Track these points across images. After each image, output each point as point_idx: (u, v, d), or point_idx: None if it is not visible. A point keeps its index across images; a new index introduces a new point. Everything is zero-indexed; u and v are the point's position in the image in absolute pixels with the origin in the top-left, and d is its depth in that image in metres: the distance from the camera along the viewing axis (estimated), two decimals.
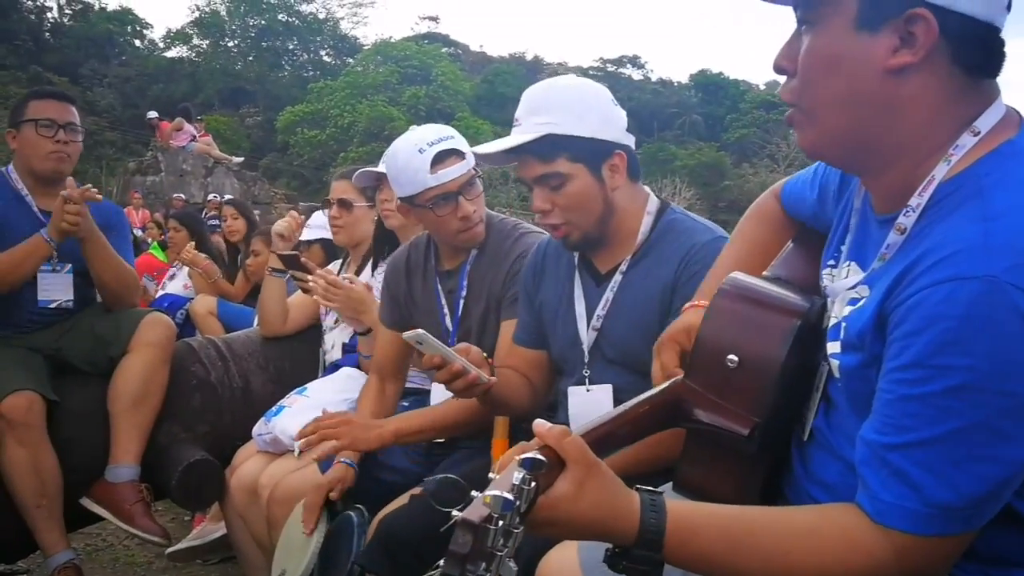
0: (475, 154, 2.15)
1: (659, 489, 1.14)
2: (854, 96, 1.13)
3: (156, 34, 44.61)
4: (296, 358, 3.31)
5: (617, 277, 2.02)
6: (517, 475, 0.98)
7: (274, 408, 2.82)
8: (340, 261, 3.45)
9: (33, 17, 39.67)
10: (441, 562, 0.93)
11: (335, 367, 3.06)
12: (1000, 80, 1.16)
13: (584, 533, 1.13)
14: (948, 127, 1.12)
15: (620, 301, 2.00)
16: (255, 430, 2.82)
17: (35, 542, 2.84)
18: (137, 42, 43.10)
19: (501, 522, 0.93)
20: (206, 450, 2.96)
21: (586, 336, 2.03)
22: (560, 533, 1.14)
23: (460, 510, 0.95)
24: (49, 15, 41.33)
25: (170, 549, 3.51)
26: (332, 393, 2.83)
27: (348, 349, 3.09)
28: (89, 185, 2.92)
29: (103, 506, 2.87)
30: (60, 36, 40.10)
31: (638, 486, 1.13)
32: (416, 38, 45.35)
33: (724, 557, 1.12)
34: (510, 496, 0.95)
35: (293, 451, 2.66)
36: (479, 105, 39.49)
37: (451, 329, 2.48)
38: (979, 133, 1.11)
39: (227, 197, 13.22)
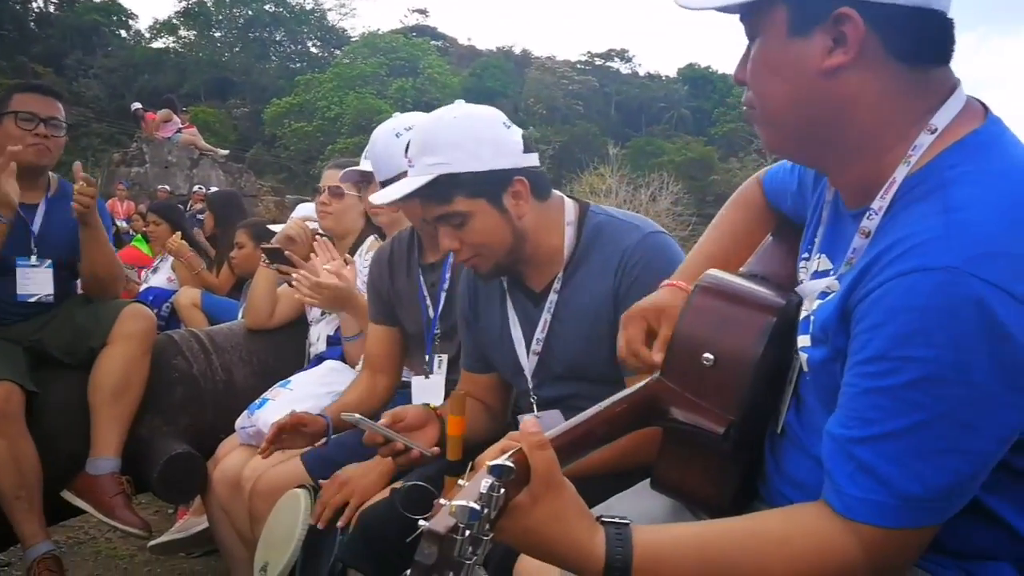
0: (371, 202, 2.09)
1: (625, 519, 1.12)
2: (797, 100, 1.15)
3: (142, 24, 44.37)
4: (279, 351, 3.30)
5: (552, 296, 1.95)
6: (485, 482, 0.98)
7: (257, 401, 2.80)
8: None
9: (18, 7, 39.33)
10: (409, 571, 0.92)
11: (319, 360, 3.05)
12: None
13: (539, 551, 1.11)
14: (903, 120, 1.13)
15: (562, 318, 1.94)
16: (238, 423, 2.80)
17: (15, 534, 2.82)
18: (123, 33, 42.86)
19: (468, 532, 0.93)
20: (188, 443, 2.95)
21: (526, 362, 1.99)
22: (517, 546, 1.12)
23: (427, 519, 0.94)
24: (34, 4, 41.01)
25: (152, 542, 3.49)
26: (315, 386, 2.81)
27: (333, 342, 3.08)
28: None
29: (83, 498, 2.85)
30: (45, 26, 39.83)
31: (603, 518, 1.12)
32: (404, 30, 45.25)
33: None
34: (476, 506, 0.94)
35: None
36: (467, 99, 38.94)
37: (433, 319, 2.46)
38: (936, 130, 1.12)
39: (212, 189, 13.16)
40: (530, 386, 2.00)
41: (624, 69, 52.39)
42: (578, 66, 48.17)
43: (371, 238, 3.15)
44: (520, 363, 2.00)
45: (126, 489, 2.89)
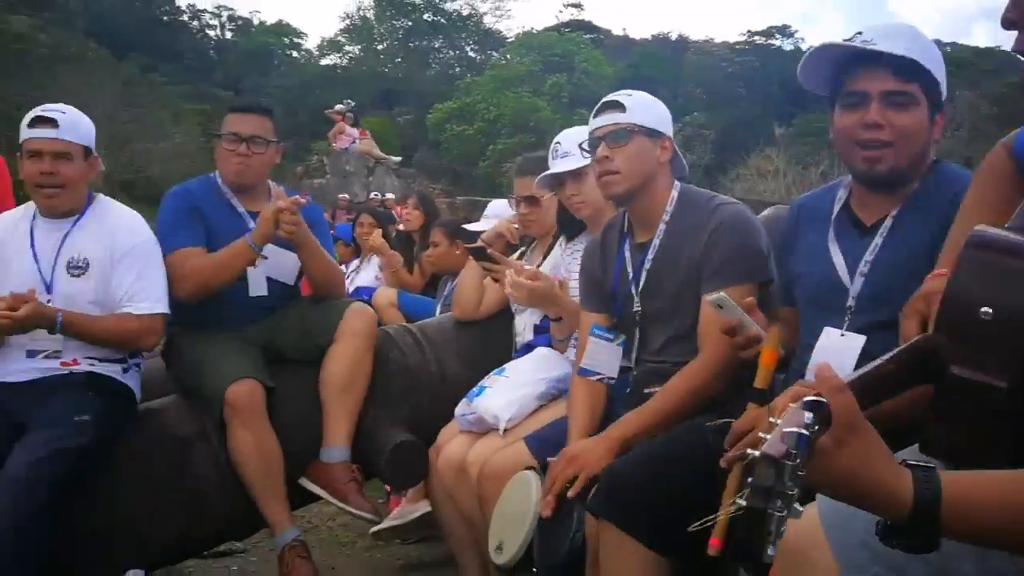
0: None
1: (931, 463, 1.11)
2: None
3: (311, 44, 46.35)
4: (487, 342, 3.39)
5: (888, 222, 1.99)
6: (808, 415, 0.99)
7: (476, 389, 2.90)
8: (522, 250, 3.52)
9: (199, 36, 42.01)
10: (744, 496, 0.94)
11: (528, 347, 3.12)
12: None
13: (843, 493, 1.12)
14: None
15: (888, 248, 1.97)
16: (458, 411, 2.91)
17: (258, 521, 3.02)
18: (294, 53, 44.89)
19: (797, 459, 0.95)
20: (408, 432, 3.08)
21: (849, 283, 2.01)
22: (822, 488, 1.13)
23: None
24: (212, 32, 43.69)
25: (374, 528, 3.69)
26: (530, 373, 2.89)
27: (539, 330, 3.14)
28: (298, 196, 3.08)
29: (320, 485, 3.02)
30: (223, 52, 42.37)
31: (908, 461, 1.12)
32: (558, 26, 45.31)
33: (1005, 528, 1.09)
34: (806, 432, 0.96)
35: (498, 430, 2.75)
36: (624, 89, 38.92)
37: (634, 296, 2.51)
38: None
39: (388, 196, 13.71)
40: (849, 304, 2.00)
41: (786, 46, 50.52)
42: (737, 47, 46.88)
43: (562, 237, 3.22)
44: (843, 283, 2.03)
45: (357, 476, 3.05)
